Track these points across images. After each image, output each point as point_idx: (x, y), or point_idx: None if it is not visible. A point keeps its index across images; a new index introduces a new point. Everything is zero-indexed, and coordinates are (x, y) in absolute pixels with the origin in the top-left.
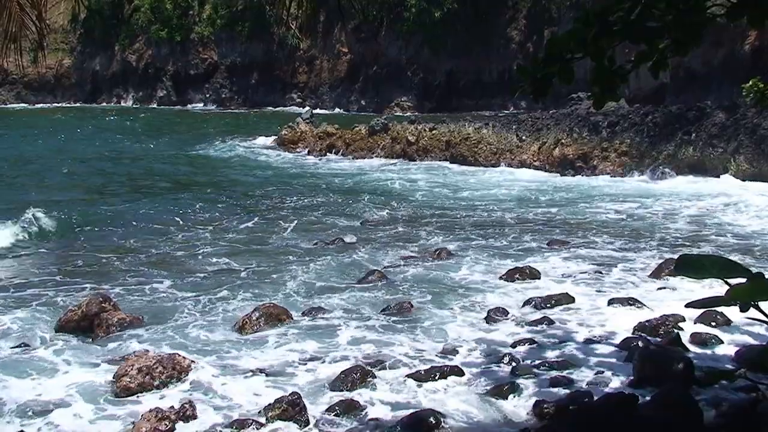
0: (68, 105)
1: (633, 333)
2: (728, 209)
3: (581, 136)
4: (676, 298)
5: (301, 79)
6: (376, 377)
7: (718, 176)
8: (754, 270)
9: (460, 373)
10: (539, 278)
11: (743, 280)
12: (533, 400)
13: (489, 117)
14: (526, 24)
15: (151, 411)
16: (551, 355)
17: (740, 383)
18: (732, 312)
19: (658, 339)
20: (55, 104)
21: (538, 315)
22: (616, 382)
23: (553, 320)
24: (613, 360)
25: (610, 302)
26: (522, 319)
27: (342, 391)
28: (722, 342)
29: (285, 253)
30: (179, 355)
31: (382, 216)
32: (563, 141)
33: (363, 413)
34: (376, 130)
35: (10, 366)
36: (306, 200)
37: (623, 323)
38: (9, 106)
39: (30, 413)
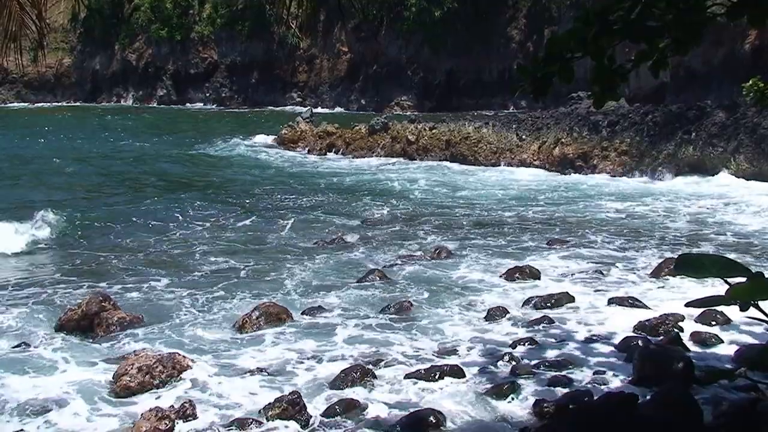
0: (68, 104)
1: (633, 332)
2: (728, 208)
3: (581, 136)
4: (676, 297)
5: (301, 79)
6: (375, 376)
7: (716, 174)
8: (754, 269)
9: (460, 373)
10: (539, 278)
11: (743, 279)
12: (533, 399)
13: (489, 116)
14: (527, 23)
15: (151, 410)
16: (551, 354)
17: (740, 382)
18: (732, 311)
19: (658, 338)
20: (55, 103)
21: (537, 314)
22: (616, 382)
23: (552, 320)
24: (613, 359)
25: (610, 301)
26: (522, 319)
27: (342, 390)
28: (722, 341)
29: (285, 252)
30: (179, 355)
31: (381, 215)
32: (563, 140)
33: (363, 412)
34: (376, 130)
35: (10, 365)
36: (306, 199)
37: (623, 322)
38: (9, 105)
39: (30, 412)
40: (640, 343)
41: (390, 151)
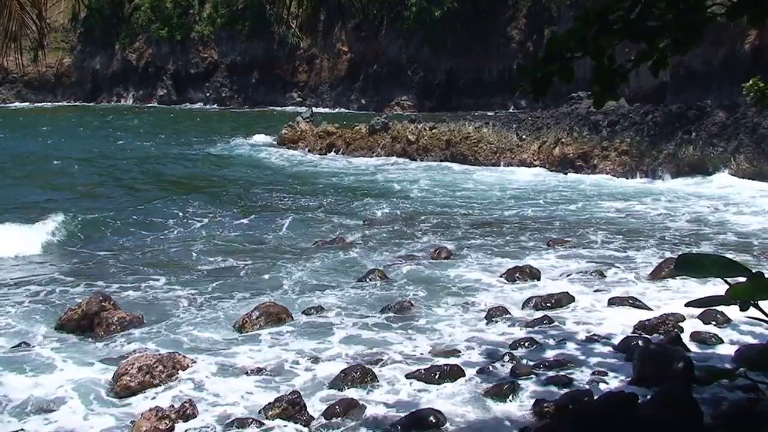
0: (68, 104)
1: (633, 332)
2: (728, 208)
3: (581, 135)
4: (676, 297)
5: (301, 78)
6: (375, 376)
7: (716, 174)
8: (753, 269)
9: (460, 373)
10: (539, 278)
11: (743, 279)
12: (533, 399)
13: (489, 116)
14: (526, 23)
15: (151, 410)
16: (551, 354)
17: (740, 382)
18: (732, 311)
19: (658, 338)
20: (56, 103)
21: (538, 314)
22: (616, 382)
23: (552, 320)
24: (613, 359)
25: (610, 302)
26: (522, 319)
27: (342, 390)
28: (722, 341)
29: (285, 252)
30: (179, 354)
31: (382, 215)
32: (563, 140)
33: (363, 412)
34: (377, 129)
35: (10, 364)
36: (306, 199)
37: (623, 322)
38: (9, 105)
39: (29, 411)
40: (640, 343)
41: (390, 150)
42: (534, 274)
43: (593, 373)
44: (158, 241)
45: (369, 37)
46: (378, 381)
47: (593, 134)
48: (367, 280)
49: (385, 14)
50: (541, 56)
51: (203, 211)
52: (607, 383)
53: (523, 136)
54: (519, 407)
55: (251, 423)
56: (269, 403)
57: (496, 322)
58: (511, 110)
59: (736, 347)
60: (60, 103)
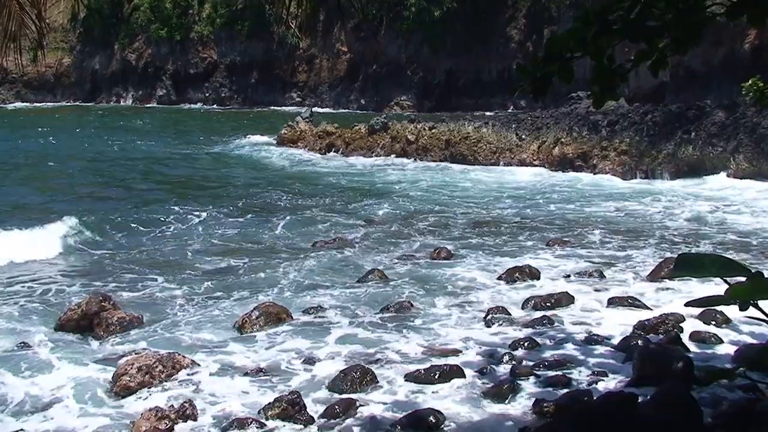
0: (68, 104)
1: (633, 332)
2: (728, 208)
3: (581, 135)
4: (675, 297)
5: (300, 78)
6: (375, 376)
7: (716, 174)
8: (753, 269)
9: (460, 373)
10: (539, 278)
11: (743, 278)
12: (533, 399)
13: (489, 116)
14: (526, 23)
15: (150, 410)
16: (551, 354)
17: (740, 382)
18: (731, 311)
19: (658, 338)
20: (55, 103)
21: (537, 314)
22: (615, 382)
23: (552, 320)
24: (613, 359)
25: (610, 301)
26: (522, 319)
27: (341, 390)
28: (722, 341)
29: (284, 252)
30: (179, 354)
31: (381, 215)
32: (563, 140)
33: (362, 412)
34: (376, 129)
35: (10, 364)
36: (305, 199)
37: (623, 322)
38: (8, 105)
39: (29, 412)
40: (639, 343)
41: (390, 150)
42: (533, 274)
43: (593, 373)
44: (158, 242)
45: (368, 37)
46: (377, 381)
47: (593, 134)
48: (367, 279)
49: (384, 14)
50: (541, 56)
51: (202, 211)
52: (607, 383)
53: (523, 136)
54: (519, 407)
55: (251, 423)
56: (269, 403)
57: (496, 322)
58: (510, 110)
59: (735, 347)
60: (59, 104)
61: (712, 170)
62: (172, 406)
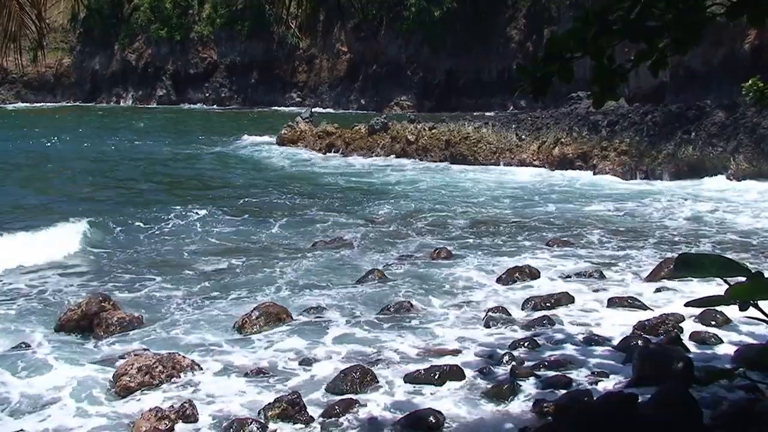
0: (68, 104)
1: (633, 332)
2: (728, 208)
3: (581, 135)
4: (675, 297)
5: (300, 78)
6: (375, 377)
7: (716, 174)
8: (753, 269)
9: (460, 373)
10: (539, 278)
11: (743, 279)
12: (533, 399)
13: (489, 116)
14: (526, 23)
15: (150, 410)
16: (551, 354)
17: (740, 382)
18: (731, 311)
19: (658, 338)
20: (55, 104)
21: (537, 315)
22: (615, 382)
23: (552, 320)
24: (613, 360)
25: (610, 302)
26: (521, 319)
27: (341, 390)
28: (722, 341)
29: (284, 252)
30: (179, 355)
31: (381, 215)
32: (563, 140)
33: (362, 413)
34: (376, 129)
35: (9, 365)
36: (305, 199)
37: (623, 323)
38: (8, 105)
39: (28, 412)
40: (639, 343)
41: (389, 151)
42: (533, 274)
43: (593, 374)
44: (158, 242)
45: (368, 37)
46: (377, 381)
47: (593, 134)
48: (366, 280)
49: (384, 14)
50: (541, 56)
51: (202, 211)
52: (607, 384)
53: (523, 137)
54: (518, 408)
55: (251, 423)
56: (269, 404)
57: (496, 322)
58: (510, 110)
59: (735, 347)
60: (59, 104)
61: (713, 170)
62: (172, 406)
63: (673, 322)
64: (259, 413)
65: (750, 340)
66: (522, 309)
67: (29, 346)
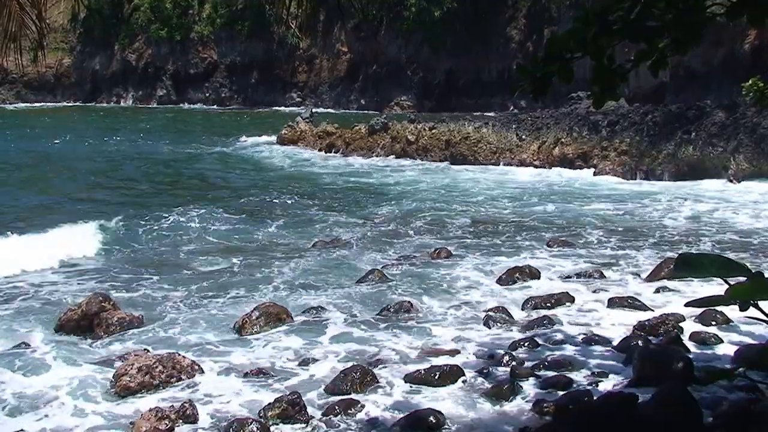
0: (68, 104)
1: (633, 332)
2: (727, 208)
3: (581, 135)
4: (675, 297)
5: (300, 78)
6: (375, 377)
7: (715, 174)
8: (753, 269)
9: (460, 373)
10: (539, 278)
11: (743, 279)
12: (533, 400)
13: (489, 116)
14: (526, 23)
15: (150, 410)
16: (551, 355)
17: (740, 382)
18: (731, 311)
19: (658, 338)
20: (55, 104)
21: (537, 315)
22: (615, 382)
23: (552, 320)
24: (613, 360)
25: (610, 302)
26: (521, 319)
27: (342, 390)
28: (722, 341)
29: (284, 253)
30: (179, 355)
31: (381, 215)
32: (563, 140)
33: (362, 413)
34: (376, 129)
35: (10, 365)
36: (305, 199)
37: (623, 323)
38: (9, 105)
39: (28, 412)
40: (639, 343)
41: (390, 151)
42: (533, 274)
43: (593, 374)
44: (158, 242)
45: (368, 37)
46: (377, 381)
47: (593, 134)
48: (367, 280)
49: (384, 14)
50: (541, 56)
51: (202, 211)
52: (607, 384)
53: (523, 137)
54: (519, 408)
55: (251, 423)
56: (269, 404)
57: (496, 322)
58: (510, 110)
59: (735, 347)
60: (59, 104)
61: (713, 170)
62: (172, 406)
63: (673, 322)
64: (259, 413)
65: (750, 340)
66: (522, 309)
67: (29, 345)
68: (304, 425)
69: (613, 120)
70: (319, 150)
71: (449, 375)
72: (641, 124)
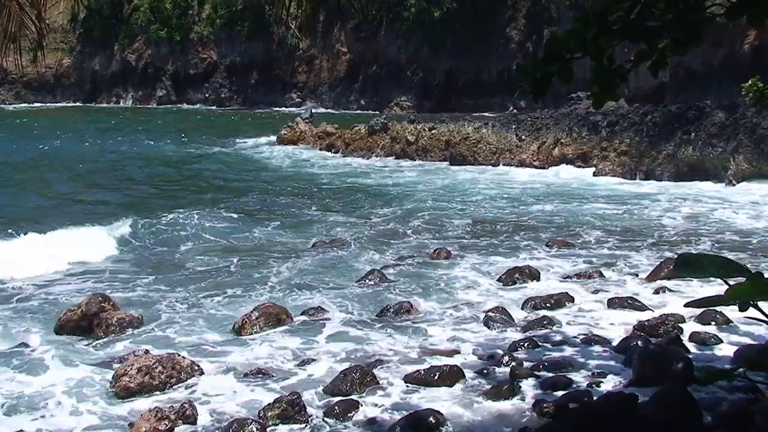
0: (68, 105)
1: (632, 333)
2: (727, 208)
3: (581, 136)
4: (675, 297)
5: (300, 79)
6: (375, 377)
7: (716, 174)
8: (753, 269)
9: (460, 374)
10: (538, 278)
11: (742, 279)
12: (533, 400)
13: (489, 117)
14: (526, 23)
15: (150, 411)
16: (550, 355)
17: (739, 382)
18: (731, 311)
19: (658, 339)
20: (55, 104)
21: (537, 315)
22: (615, 382)
23: (552, 320)
24: (613, 360)
25: (610, 302)
26: (521, 320)
27: (341, 391)
28: (721, 341)
29: (284, 253)
30: (179, 355)
31: (381, 215)
32: (563, 140)
33: (362, 413)
34: (376, 130)
35: (9, 365)
36: (305, 200)
37: (623, 323)
38: (9, 106)
39: (28, 412)
40: (639, 343)
41: (389, 151)
42: (533, 275)
43: (593, 374)
44: (158, 242)
45: (368, 37)
46: (377, 382)
47: (592, 135)
48: (367, 280)
49: (384, 15)
50: (541, 57)
51: (201, 211)
52: (607, 384)
53: (523, 137)
54: (518, 408)
55: (251, 423)
56: (269, 404)
57: (496, 323)
58: (510, 111)
59: (735, 347)
60: (59, 104)
61: (712, 170)
62: (172, 406)
63: (673, 322)
64: (259, 414)
65: (750, 341)
66: (522, 309)
67: (29, 346)
68: (303, 426)
69: (613, 120)
70: (319, 150)
71: (449, 375)
72: (641, 125)
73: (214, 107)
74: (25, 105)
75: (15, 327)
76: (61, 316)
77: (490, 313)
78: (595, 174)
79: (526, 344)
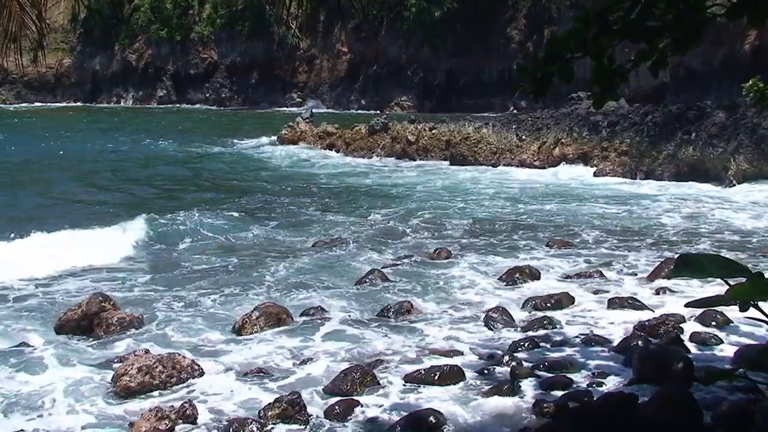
0: (69, 104)
1: (632, 333)
2: (727, 208)
3: (581, 136)
4: (675, 297)
5: (301, 79)
6: (375, 377)
7: (716, 174)
8: (753, 269)
9: (460, 374)
10: (539, 278)
11: (743, 279)
12: (533, 400)
13: (489, 116)
14: (526, 23)
15: (150, 410)
16: (551, 355)
17: (740, 383)
18: (732, 311)
19: (658, 339)
20: (55, 104)
21: (537, 315)
22: (615, 382)
23: (552, 320)
24: (613, 360)
25: (610, 302)
26: (521, 320)
27: (341, 390)
28: (722, 341)
29: (284, 253)
30: (179, 355)
31: (381, 215)
32: (563, 140)
33: (362, 413)
34: (376, 130)
35: (9, 365)
36: (305, 200)
37: (623, 323)
38: (10, 105)
39: (29, 413)
40: (639, 343)
41: (390, 151)
42: (533, 275)
43: (593, 374)
44: (158, 242)
45: (369, 37)
46: (377, 382)
47: (593, 135)
48: (367, 280)
49: (384, 14)
50: (541, 56)
51: (201, 211)
52: (607, 384)
53: (523, 137)
54: (518, 408)
55: (251, 423)
56: (269, 404)
57: (496, 322)
58: (511, 111)
59: (735, 348)
60: (60, 104)
61: (713, 171)
62: (172, 406)
63: (674, 322)
64: (259, 413)
65: (750, 341)
66: (522, 309)
67: (29, 345)
68: (303, 425)
69: (613, 120)
70: (320, 150)
71: (449, 375)
72: (641, 125)
73: (214, 107)
74: (26, 105)
75: (15, 326)
76: (62, 316)
77: (490, 313)
78: (595, 174)
79: (526, 344)
